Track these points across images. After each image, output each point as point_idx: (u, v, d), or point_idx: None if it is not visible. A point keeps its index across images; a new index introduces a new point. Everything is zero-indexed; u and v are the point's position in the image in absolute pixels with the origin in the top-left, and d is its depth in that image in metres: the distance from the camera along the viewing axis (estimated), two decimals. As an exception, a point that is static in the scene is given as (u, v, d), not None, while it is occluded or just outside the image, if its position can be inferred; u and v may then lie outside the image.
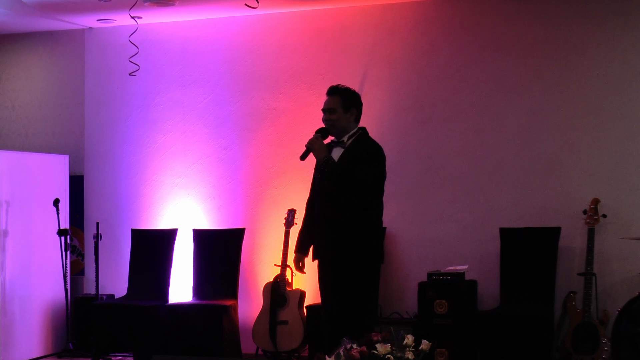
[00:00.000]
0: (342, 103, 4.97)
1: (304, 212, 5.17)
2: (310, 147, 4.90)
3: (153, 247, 7.54)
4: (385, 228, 7.00)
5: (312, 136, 4.94)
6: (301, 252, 5.13)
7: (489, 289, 6.77)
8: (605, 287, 6.48)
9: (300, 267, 5.13)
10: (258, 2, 6.27)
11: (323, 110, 5.01)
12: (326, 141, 5.01)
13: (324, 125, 5.01)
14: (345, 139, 4.97)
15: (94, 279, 7.54)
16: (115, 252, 7.88)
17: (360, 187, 4.81)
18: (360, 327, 4.57)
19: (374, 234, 4.95)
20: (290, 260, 6.51)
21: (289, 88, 7.45)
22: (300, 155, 4.96)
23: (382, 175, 4.96)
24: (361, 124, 6.62)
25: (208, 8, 7.40)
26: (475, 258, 6.85)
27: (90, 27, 8.09)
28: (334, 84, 6.94)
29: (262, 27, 7.57)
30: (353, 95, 5.07)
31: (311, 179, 5.12)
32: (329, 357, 3.66)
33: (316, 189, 5.02)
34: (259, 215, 7.49)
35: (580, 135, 6.69)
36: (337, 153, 4.93)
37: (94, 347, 7.19)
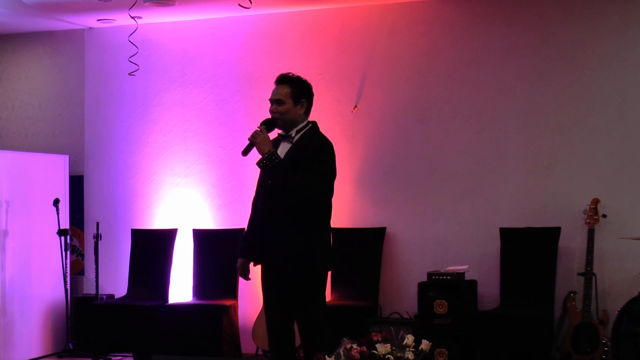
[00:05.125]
0: (292, 94, 4.62)
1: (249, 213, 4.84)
2: (253, 141, 4.51)
3: (153, 247, 7.54)
4: (385, 228, 7.07)
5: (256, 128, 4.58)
6: (246, 257, 4.76)
7: (489, 289, 6.77)
8: (605, 287, 6.48)
9: (245, 274, 4.78)
10: (251, 2, 6.26)
11: (270, 100, 4.65)
12: (273, 135, 4.64)
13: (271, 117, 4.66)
14: (293, 133, 4.63)
15: (94, 279, 7.54)
16: (115, 252, 7.88)
17: (305, 187, 4.47)
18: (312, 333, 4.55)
19: (318, 238, 4.59)
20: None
21: (289, 88, 7.45)
22: (241, 150, 4.61)
23: (331, 174, 4.61)
24: (361, 123, 6.62)
25: (208, 8, 7.40)
26: (475, 258, 6.86)
27: (90, 27, 8.10)
28: (333, 83, 6.90)
29: (262, 27, 7.57)
30: (304, 86, 4.70)
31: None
32: (329, 357, 3.66)
33: (259, 188, 4.68)
34: (259, 215, 7.49)
35: (580, 135, 6.69)
36: (284, 148, 4.61)
37: (94, 347, 7.19)
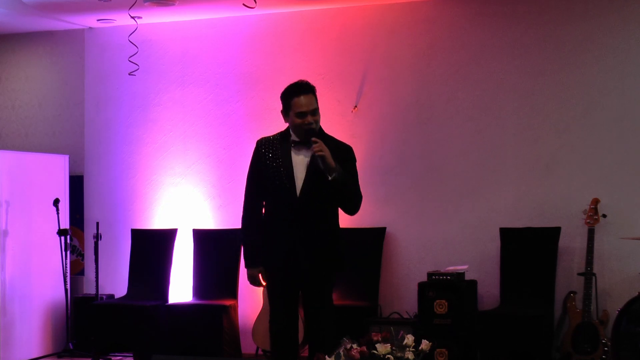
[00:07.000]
0: (317, 102, 4.59)
1: (248, 219, 4.86)
2: (324, 155, 4.43)
3: (153, 247, 7.55)
4: (385, 228, 7.08)
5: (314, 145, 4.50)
6: (258, 265, 4.70)
7: (489, 289, 6.78)
8: (605, 287, 6.49)
9: (260, 282, 4.71)
10: (256, 2, 6.27)
11: (304, 112, 4.50)
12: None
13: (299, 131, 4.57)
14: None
15: (94, 279, 7.55)
16: (115, 252, 7.88)
17: (359, 194, 4.69)
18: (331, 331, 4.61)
19: (340, 239, 4.76)
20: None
21: (289, 88, 7.45)
22: (325, 170, 4.45)
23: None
24: (361, 123, 6.63)
25: (208, 8, 7.40)
26: (475, 258, 6.85)
27: (90, 27, 8.10)
28: (334, 83, 6.88)
29: (262, 27, 7.57)
30: None
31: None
32: (329, 357, 3.66)
33: (289, 191, 4.61)
34: (259, 215, 7.49)
35: (580, 135, 6.69)
36: (305, 155, 4.58)
37: (94, 347, 7.19)
